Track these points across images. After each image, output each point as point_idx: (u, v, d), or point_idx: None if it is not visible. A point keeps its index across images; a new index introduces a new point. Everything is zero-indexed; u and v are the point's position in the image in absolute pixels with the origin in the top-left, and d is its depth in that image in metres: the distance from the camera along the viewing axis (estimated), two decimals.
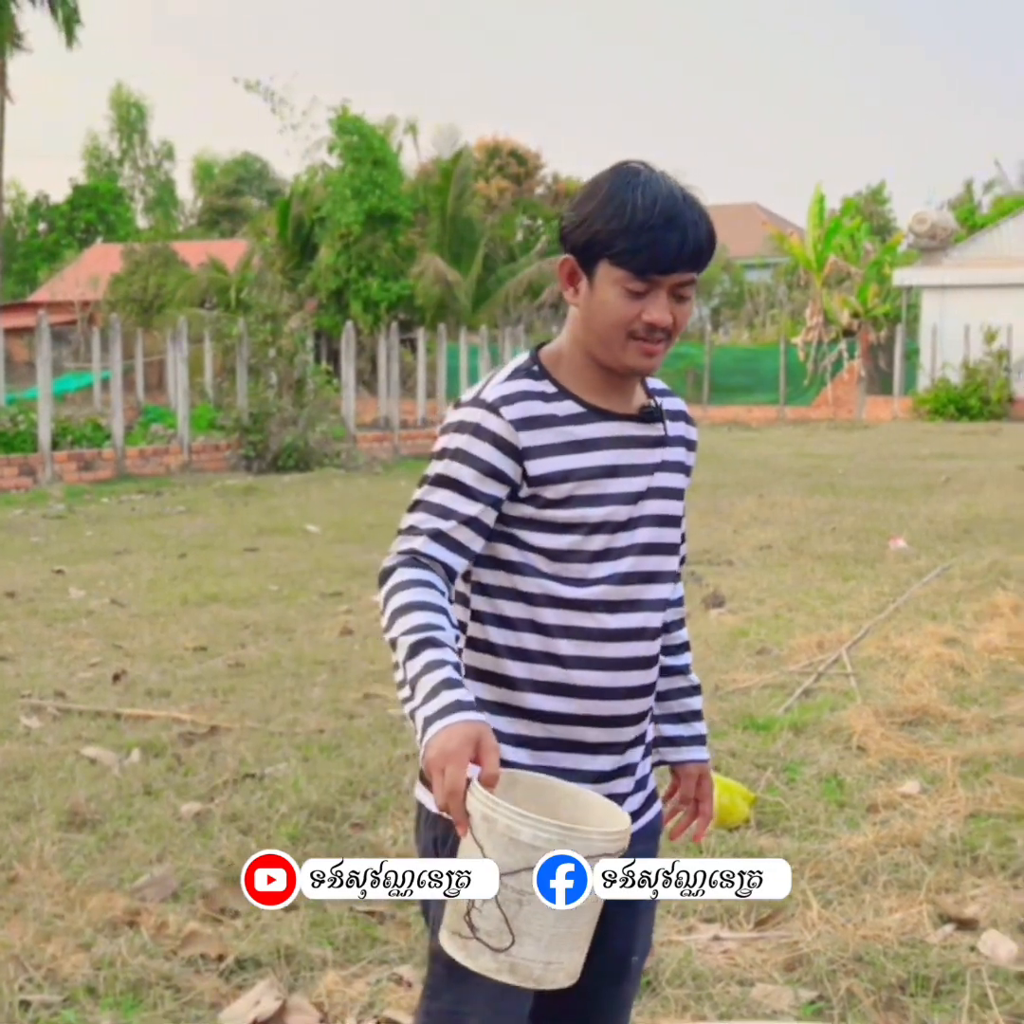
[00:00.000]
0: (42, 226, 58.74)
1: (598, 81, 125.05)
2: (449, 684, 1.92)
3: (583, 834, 1.83)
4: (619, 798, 2.17)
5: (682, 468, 2.27)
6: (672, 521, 2.24)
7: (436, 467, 2.13)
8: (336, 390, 23.07)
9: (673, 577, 2.26)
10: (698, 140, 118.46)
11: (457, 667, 1.96)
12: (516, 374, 2.16)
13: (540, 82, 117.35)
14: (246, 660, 7.28)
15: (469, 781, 1.84)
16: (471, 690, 1.99)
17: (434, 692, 1.91)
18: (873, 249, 36.56)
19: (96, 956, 3.68)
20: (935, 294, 33.52)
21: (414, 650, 1.95)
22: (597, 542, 2.13)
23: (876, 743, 5.51)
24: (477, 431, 2.10)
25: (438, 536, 2.08)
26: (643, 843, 2.20)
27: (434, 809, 2.07)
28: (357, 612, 8.52)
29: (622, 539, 2.15)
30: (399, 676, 1.99)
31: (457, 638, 2.05)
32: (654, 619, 2.22)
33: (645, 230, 2.02)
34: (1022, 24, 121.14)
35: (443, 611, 2.01)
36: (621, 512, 2.15)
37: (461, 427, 2.12)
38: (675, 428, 2.27)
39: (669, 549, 2.23)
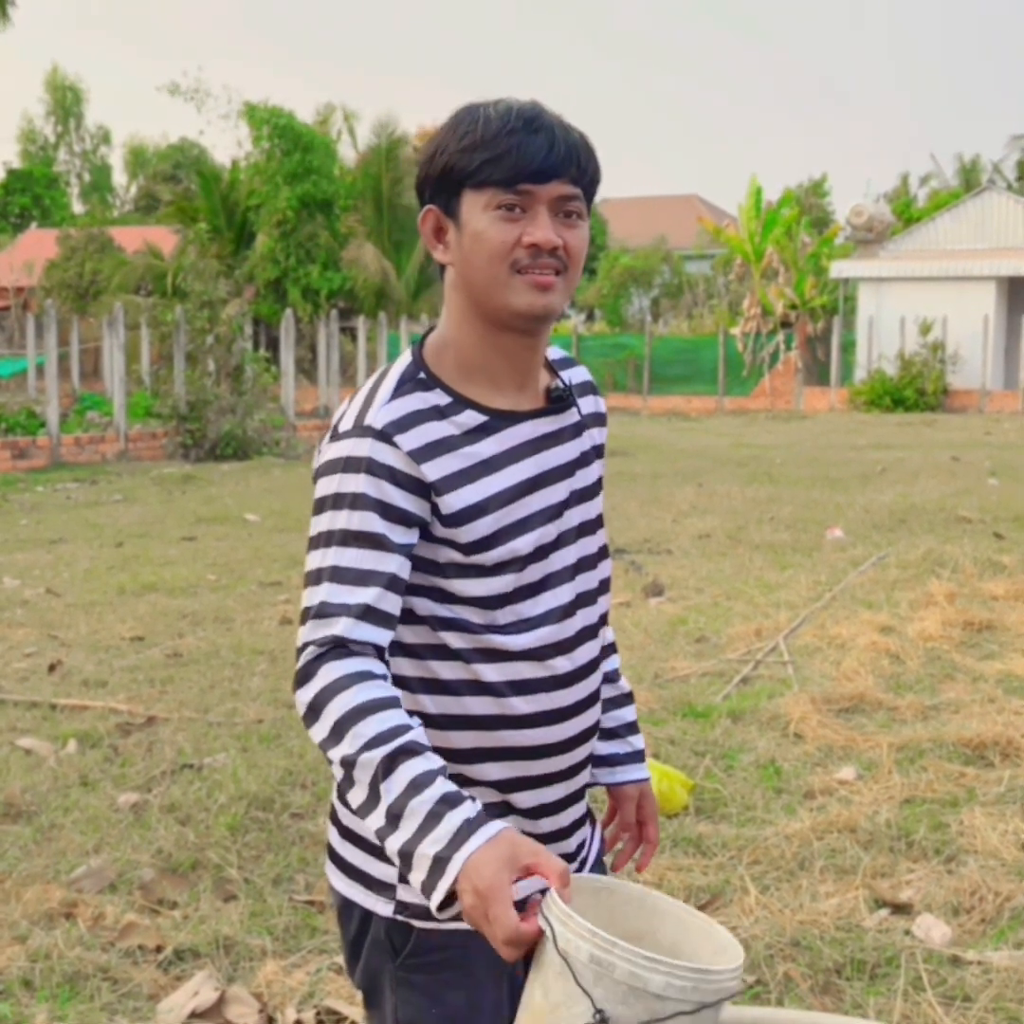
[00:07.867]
0: None
1: (537, 71, 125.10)
2: (448, 800, 1.56)
3: (718, 977, 1.49)
4: (576, 850, 1.96)
5: (598, 453, 1.95)
6: (594, 525, 1.93)
7: (334, 520, 1.71)
8: (275, 378, 22.97)
9: (606, 587, 1.96)
10: (638, 130, 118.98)
11: (445, 771, 1.60)
12: (403, 386, 1.77)
13: (479, 71, 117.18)
14: (184, 650, 7.23)
15: (537, 896, 1.52)
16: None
17: (434, 817, 1.55)
18: (810, 241, 36.81)
19: (32, 948, 3.64)
20: (871, 286, 33.82)
21: (388, 767, 1.58)
22: (532, 573, 1.79)
23: (813, 730, 5.57)
24: (371, 467, 1.71)
25: (367, 613, 1.67)
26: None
27: (384, 913, 1.80)
28: (296, 601, 8.46)
29: (556, 561, 1.82)
30: (362, 799, 1.60)
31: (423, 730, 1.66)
32: (598, 645, 1.93)
33: (504, 136, 1.71)
34: (959, 24, 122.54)
35: (399, 704, 1.65)
36: (550, 531, 1.82)
37: (349, 464, 1.72)
38: (585, 404, 1.94)
39: (598, 557, 1.93)
